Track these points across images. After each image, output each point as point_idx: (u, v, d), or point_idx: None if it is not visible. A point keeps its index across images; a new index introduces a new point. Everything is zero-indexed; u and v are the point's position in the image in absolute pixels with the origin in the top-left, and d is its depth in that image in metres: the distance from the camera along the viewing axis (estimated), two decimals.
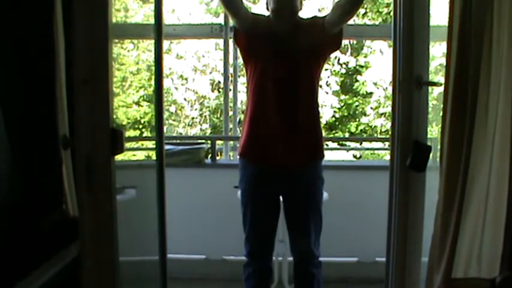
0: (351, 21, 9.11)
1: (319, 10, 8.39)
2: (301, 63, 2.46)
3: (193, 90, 8.62)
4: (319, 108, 2.66)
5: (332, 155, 7.77)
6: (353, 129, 8.93)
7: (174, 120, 8.85)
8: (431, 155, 2.01)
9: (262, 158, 2.50)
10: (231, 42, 4.11)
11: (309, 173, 2.53)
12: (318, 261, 2.58)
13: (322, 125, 2.71)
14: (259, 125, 2.48)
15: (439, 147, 1.83)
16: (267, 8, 2.53)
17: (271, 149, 2.46)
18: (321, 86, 8.58)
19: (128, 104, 8.22)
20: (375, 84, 8.53)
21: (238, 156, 2.62)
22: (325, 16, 2.57)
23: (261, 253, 2.59)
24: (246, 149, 2.54)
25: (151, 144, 3.47)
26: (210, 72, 8.59)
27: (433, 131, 2.26)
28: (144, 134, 8.16)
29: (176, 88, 8.69)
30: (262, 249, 2.59)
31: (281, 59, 2.44)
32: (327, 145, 7.23)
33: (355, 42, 8.56)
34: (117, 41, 1.88)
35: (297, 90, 2.45)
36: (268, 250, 2.61)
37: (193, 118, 8.83)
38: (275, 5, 2.44)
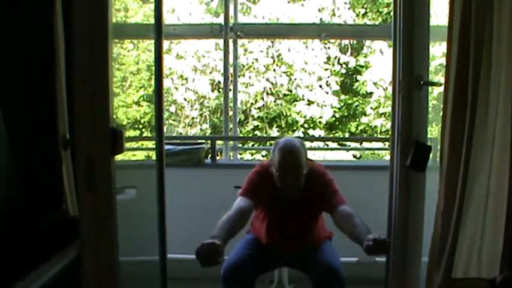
0: (350, 21, 9.00)
1: (319, 10, 8.39)
2: (304, 219, 2.53)
3: (193, 90, 8.61)
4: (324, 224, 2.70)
5: (332, 155, 7.77)
6: (353, 129, 8.92)
7: (174, 120, 8.84)
8: (431, 155, 2.01)
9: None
10: (231, 42, 4.11)
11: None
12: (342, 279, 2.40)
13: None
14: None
15: (439, 147, 1.83)
16: (271, 168, 2.46)
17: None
18: (326, 88, 8.59)
19: (128, 104, 8.22)
20: (375, 84, 8.52)
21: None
22: (336, 195, 2.47)
23: (239, 280, 2.38)
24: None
25: (151, 144, 3.47)
26: (210, 72, 8.59)
27: (433, 131, 2.26)
28: (144, 134, 8.15)
29: (176, 88, 8.69)
30: (242, 277, 2.38)
31: (285, 217, 2.50)
32: (327, 145, 7.26)
33: (355, 42, 8.56)
34: (117, 41, 1.87)
35: (298, 236, 2.53)
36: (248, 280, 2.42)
37: (193, 118, 8.82)
38: (281, 181, 2.40)
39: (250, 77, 8.46)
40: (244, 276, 2.37)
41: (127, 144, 1.76)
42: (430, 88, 2.10)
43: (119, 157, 1.66)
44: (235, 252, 2.47)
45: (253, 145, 6.53)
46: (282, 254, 2.58)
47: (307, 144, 6.85)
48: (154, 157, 2.17)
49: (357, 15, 8.71)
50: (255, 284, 2.42)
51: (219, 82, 8.30)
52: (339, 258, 2.45)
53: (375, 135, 8.75)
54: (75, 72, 1.53)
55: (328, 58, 8.67)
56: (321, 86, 8.61)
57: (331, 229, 2.61)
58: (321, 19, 8.32)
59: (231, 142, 4.38)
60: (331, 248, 2.52)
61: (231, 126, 4.45)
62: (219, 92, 8.45)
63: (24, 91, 1.62)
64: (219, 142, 4.29)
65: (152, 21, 2.08)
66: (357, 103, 8.82)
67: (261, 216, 2.57)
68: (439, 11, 2.27)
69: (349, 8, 8.61)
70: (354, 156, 8.31)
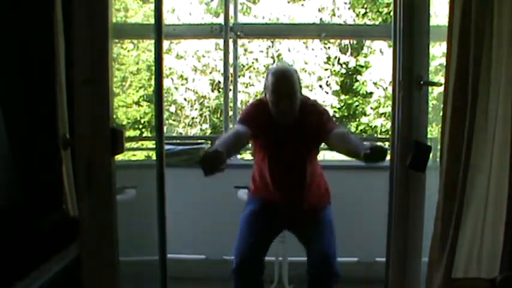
0: (350, 21, 8.99)
1: (319, 10, 8.39)
2: (301, 147, 2.51)
3: (193, 90, 8.61)
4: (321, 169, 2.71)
5: (332, 155, 7.76)
6: (353, 129, 8.92)
7: (174, 120, 8.84)
8: (431, 155, 2.01)
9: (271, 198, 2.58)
10: (231, 42, 4.10)
11: (319, 216, 2.56)
12: (336, 275, 2.42)
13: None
14: (262, 189, 2.61)
15: (439, 147, 1.83)
16: (265, 94, 2.50)
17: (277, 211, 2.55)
18: (326, 88, 8.59)
19: (128, 104, 8.22)
20: (375, 84, 8.52)
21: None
22: (327, 116, 2.54)
23: (251, 269, 2.41)
24: (254, 192, 2.68)
25: (151, 144, 3.47)
26: (210, 72, 8.58)
27: (433, 131, 2.26)
28: (144, 134, 8.15)
29: (176, 88, 8.69)
30: (253, 265, 2.41)
31: (281, 145, 2.50)
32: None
33: (355, 42, 8.56)
34: (117, 41, 1.87)
35: (296, 166, 2.52)
36: (259, 266, 2.44)
37: (193, 118, 8.82)
38: (275, 105, 2.42)
39: (250, 77, 8.46)
40: (254, 267, 2.41)
41: (127, 144, 1.76)
42: (430, 88, 2.09)
43: (119, 157, 1.66)
44: (240, 240, 2.47)
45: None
46: (285, 209, 2.54)
47: None
48: (154, 157, 2.17)
49: (357, 15, 8.70)
50: (264, 266, 2.46)
51: (219, 82, 8.30)
52: (334, 243, 2.47)
53: (375, 135, 8.74)
54: (75, 72, 1.53)
55: (328, 58, 8.66)
56: (321, 86, 8.60)
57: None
58: (321, 19, 8.32)
59: None
60: (330, 228, 2.51)
61: (231, 126, 4.44)
62: (219, 92, 8.45)
63: (24, 91, 1.62)
64: None
65: (152, 21, 2.08)
66: (357, 103, 8.82)
67: (260, 157, 2.57)
68: (439, 11, 2.27)
69: (349, 8, 8.60)
70: None
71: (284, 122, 2.45)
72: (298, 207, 2.55)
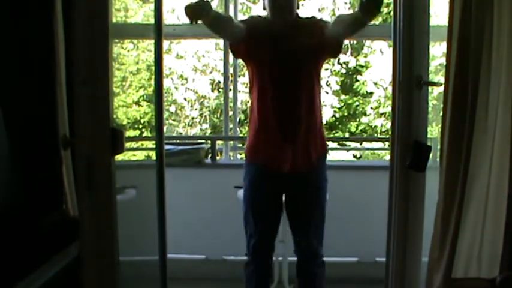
0: None
1: (319, 10, 8.39)
2: (300, 63, 2.44)
3: (193, 90, 8.62)
4: (322, 108, 2.64)
5: (332, 155, 7.77)
6: (353, 129, 8.92)
7: (174, 120, 8.85)
8: (431, 155, 2.01)
9: (266, 161, 2.51)
10: None
11: (313, 174, 2.54)
12: (321, 260, 2.60)
13: (323, 124, 2.69)
14: (261, 131, 2.49)
15: (439, 147, 1.83)
16: (264, 7, 2.51)
17: (275, 154, 2.47)
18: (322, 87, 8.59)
19: (128, 104, 8.22)
20: (375, 84, 8.53)
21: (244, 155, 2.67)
22: (327, 22, 2.52)
23: (263, 251, 2.60)
24: (251, 151, 2.57)
25: (151, 144, 3.47)
26: (210, 72, 8.59)
27: (433, 131, 2.26)
28: (144, 134, 8.16)
29: (176, 88, 8.69)
30: (264, 248, 2.59)
31: (280, 60, 2.43)
32: (326, 145, 7.24)
33: (355, 42, 8.56)
34: (117, 41, 1.88)
35: (297, 90, 2.44)
36: (270, 248, 2.62)
37: (193, 118, 8.83)
38: (272, 2, 2.42)
39: None
40: (267, 252, 2.61)
41: (127, 144, 1.76)
42: (430, 88, 2.09)
43: (118, 157, 1.66)
44: (250, 227, 2.55)
45: None
46: (282, 177, 2.50)
47: None
48: (154, 157, 2.17)
49: None
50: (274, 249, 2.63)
51: (219, 82, 8.31)
52: (322, 230, 2.55)
53: (375, 135, 8.75)
54: (75, 72, 1.53)
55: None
56: (322, 87, 8.61)
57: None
58: (320, 19, 8.32)
59: (231, 142, 4.38)
60: (320, 214, 2.55)
61: (231, 126, 4.44)
62: (219, 92, 8.46)
63: (24, 91, 1.62)
64: (219, 142, 4.29)
65: (152, 21, 2.08)
66: (357, 103, 8.82)
67: (257, 83, 2.49)
68: (439, 11, 2.27)
69: (349, 8, 8.61)
70: (354, 156, 8.31)
71: (281, 21, 2.42)
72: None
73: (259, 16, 2.60)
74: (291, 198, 2.57)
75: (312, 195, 2.54)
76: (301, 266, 2.63)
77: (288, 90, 2.43)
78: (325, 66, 8.69)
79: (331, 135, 8.75)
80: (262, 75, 2.45)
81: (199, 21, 2.13)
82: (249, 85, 2.60)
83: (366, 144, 7.74)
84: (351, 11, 8.54)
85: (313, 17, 2.66)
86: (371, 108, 8.80)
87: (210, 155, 3.77)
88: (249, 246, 2.58)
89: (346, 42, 8.53)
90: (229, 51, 2.71)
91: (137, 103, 8.35)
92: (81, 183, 1.56)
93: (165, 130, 2.22)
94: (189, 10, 2.09)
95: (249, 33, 2.42)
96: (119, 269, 1.66)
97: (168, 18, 7.97)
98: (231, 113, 4.35)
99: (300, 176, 2.50)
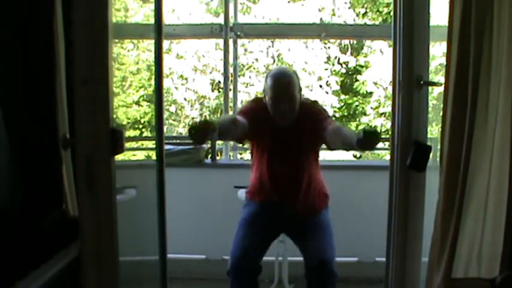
0: (350, 21, 8.99)
1: (319, 10, 8.38)
2: (299, 150, 2.50)
3: (193, 90, 8.61)
4: (320, 173, 2.67)
5: (332, 155, 7.76)
6: (353, 129, 8.92)
7: (174, 120, 8.84)
8: (431, 155, 2.01)
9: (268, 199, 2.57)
10: (231, 42, 4.10)
11: (316, 219, 2.55)
12: (334, 276, 2.42)
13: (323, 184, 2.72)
14: (259, 188, 2.58)
15: (439, 147, 1.83)
16: (265, 97, 2.47)
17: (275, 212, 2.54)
18: (326, 88, 8.58)
19: (128, 104, 8.22)
20: (375, 84, 8.52)
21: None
22: (328, 118, 2.51)
23: (246, 270, 2.40)
24: (252, 194, 2.65)
25: (151, 144, 3.47)
26: (210, 72, 8.58)
27: (433, 131, 2.26)
28: (144, 134, 8.15)
29: (176, 88, 8.69)
30: (247, 266, 2.40)
31: (279, 148, 2.49)
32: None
33: (355, 42, 8.56)
34: (117, 41, 1.87)
35: (295, 168, 2.51)
36: (254, 268, 2.44)
37: (193, 118, 8.82)
38: (274, 107, 2.40)
39: (250, 77, 8.46)
40: (250, 268, 2.40)
41: (127, 144, 1.76)
42: (430, 88, 2.09)
43: (118, 157, 1.66)
44: (237, 240, 2.46)
45: None
46: (282, 211, 2.53)
47: None
48: (154, 157, 2.17)
49: (357, 15, 8.70)
50: (261, 268, 2.45)
51: (219, 82, 8.30)
52: (333, 245, 2.46)
53: None
54: (75, 72, 1.53)
55: (328, 58, 8.66)
56: (321, 86, 8.60)
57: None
58: (321, 19, 8.31)
59: (231, 142, 4.38)
60: (326, 230, 2.50)
61: None
62: (219, 92, 8.45)
63: (24, 91, 1.62)
64: (219, 142, 4.28)
65: (152, 21, 2.08)
66: (357, 103, 8.82)
67: (257, 159, 2.55)
68: (439, 11, 2.27)
69: (349, 8, 8.60)
70: (354, 156, 8.31)
71: (283, 124, 2.44)
72: (294, 208, 2.53)
73: (260, 100, 2.54)
74: (293, 230, 2.58)
75: (314, 225, 2.52)
76: (312, 276, 2.44)
77: (285, 168, 2.51)
78: (325, 66, 8.73)
79: None
80: (261, 156, 2.54)
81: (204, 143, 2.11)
82: (250, 147, 2.67)
83: None
84: (351, 13, 8.55)
85: (313, 105, 2.58)
86: (371, 108, 8.80)
87: (210, 155, 3.77)
88: (232, 264, 2.40)
89: (346, 42, 8.58)
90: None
91: (137, 103, 8.35)
92: (81, 183, 1.56)
93: (165, 130, 2.22)
94: (196, 136, 2.01)
95: (251, 127, 2.44)
96: (119, 269, 1.66)
97: (168, 18, 7.97)
98: (231, 113, 4.35)
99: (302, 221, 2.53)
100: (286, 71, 2.51)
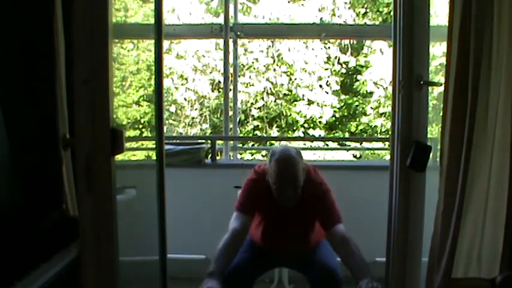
0: (350, 21, 8.97)
1: (319, 10, 8.39)
2: (299, 227, 2.49)
3: (193, 90, 8.61)
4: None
5: (332, 155, 7.77)
6: (353, 129, 8.91)
7: (174, 120, 8.84)
8: (431, 155, 2.01)
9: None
10: (231, 42, 4.11)
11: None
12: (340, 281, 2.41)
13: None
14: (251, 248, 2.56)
15: (439, 147, 1.83)
16: (267, 176, 2.41)
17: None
18: (326, 88, 8.58)
19: (128, 104, 8.21)
20: (375, 84, 8.52)
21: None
22: (331, 210, 2.43)
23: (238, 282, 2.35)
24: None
25: (151, 144, 3.46)
26: (210, 72, 8.58)
27: (433, 131, 2.26)
28: (144, 134, 8.15)
29: (176, 88, 8.69)
30: (240, 277, 2.37)
31: (281, 224, 2.47)
32: (327, 145, 7.25)
33: (355, 42, 8.56)
34: (117, 41, 1.88)
35: (292, 241, 2.50)
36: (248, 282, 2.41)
37: (193, 118, 8.82)
38: (279, 194, 2.37)
39: (250, 77, 8.46)
40: (245, 279, 2.37)
41: (127, 144, 1.76)
42: (430, 88, 2.09)
43: (118, 157, 1.66)
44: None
45: (253, 145, 6.52)
46: (279, 256, 2.58)
47: (308, 144, 6.88)
48: (154, 157, 2.17)
49: (357, 15, 8.70)
50: (253, 286, 2.42)
51: (219, 82, 8.30)
52: (336, 258, 2.43)
53: (375, 135, 8.74)
54: (75, 72, 1.53)
55: (328, 58, 8.67)
56: (321, 86, 8.60)
57: None
58: (321, 19, 8.32)
59: (231, 142, 4.38)
60: (327, 248, 2.49)
61: (231, 126, 4.45)
62: (219, 92, 8.45)
63: (24, 91, 1.62)
64: (219, 142, 4.29)
65: (152, 21, 2.08)
66: (357, 103, 8.82)
67: (256, 221, 2.54)
68: (439, 11, 2.27)
69: (349, 8, 8.60)
70: (354, 156, 8.31)
71: (286, 206, 2.40)
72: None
73: (262, 177, 2.45)
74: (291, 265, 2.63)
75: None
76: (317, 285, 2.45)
77: (285, 238, 2.49)
78: (325, 66, 8.72)
79: (331, 135, 8.76)
80: (259, 223, 2.53)
81: None
82: None
83: (366, 144, 7.73)
84: (351, 12, 8.55)
85: (317, 187, 2.47)
86: (371, 108, 8.80)
87: (210, 155, 3.77)
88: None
89: (346, 42, 8.58)
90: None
91: (137, 103, 8.35)
92: (81, 183, 1.56)
93: (165, 130, 2.22)
94: None
95: (254, 214, 2.44)
96: (119, 269, 1.66)
97: (168, 18, 7.97)
98: (231, 113, 4.36)
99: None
100: (290, 154, 2.37)
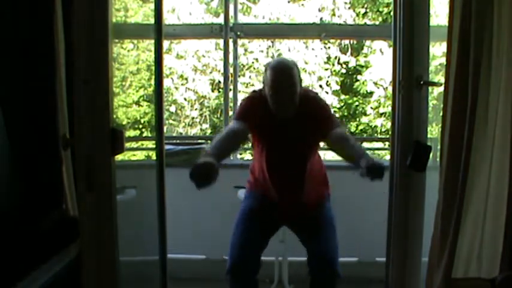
0: (350, 21, 8.97)
1: (319, 10, 8.39)
2: (300, 144, 2.45)
3: (193, 90, 8.61)
4: (322, 161, 2.65)
5: (332, 154, 7.76)
6: (353, 129, 8.91)
7: (174, 120, 8.84)
8: (431, 155, 2.01)
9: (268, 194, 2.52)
10: (231, 42, 4.10)
11: (316, 212, 2.51)
12: (337, 275, 2.41)
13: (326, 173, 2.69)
14: (260, 184, 2.54)
15: (439, 147, 1.83)
16: (264, 88, 2.42)
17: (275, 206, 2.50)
18: (326, 88, 8.59)
19: (128, 104, 8.21)
20: (375, 84, 8.52)
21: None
22: (330, 116, 2.46)
23: (244, 271, 2.39)
24: (252, 187, 2.60)
25: (151, 144, 3.47)
26: (210, 72, 8.58)
27: (433, 131, 2.26)
28: (144, 134, 8.15)
29: (176, 88, 8.69)
30: (246, 266, 2.38)
31: (279, 140, 2.44)
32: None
33: (355, 42, 8.56)
34: (117, 41, 1.88)
35: (295, 162, 2.46)
36: (253, 268, 2.41)
37: (193, 118, 8.82)
38: (272, 98, 2.35)
39: (250, 77, 8.46)
40: (249, 268, 2.38)
41: (127, 144, 1.76)
42: (430, 88, 2.09)
43: (118, 157, 1.66)
44: (235, 239, 2.43)
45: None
46: (283, 206, 2.50)
47: None
48: (154, 157, 2.17)
49: (357, 15, 8.69)
50: (260, 264, 2.42)
51: (219, 82, 8.30)
52: (336, 243, 2.42)
53: (375, 135, 8.74)
54: (75, 72, 1.53)
55: (328, 58, 8.66)
56: (321, 86, 8.60)
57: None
58: (321, 19, 8.32)
59: None
60: (329, 230, 2.46)
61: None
62: (219, 92, 8.45)
63: (24, 91, 1.62)
64: None
65: (152, 21, 2.08)
66: (357, 103, 8.82)
67: (258, 150, 2.51)
68: (439, 11, 2.27)
69: (349, 8, 8.60)
70: None
71: (283, 115, 2.37)
72: (296, 203, 2.49)
73: (259, 93, 2.48)
74: (294, 225, 2.55)
75: (317, 220, 2.49)
76: (315, 275, 2.44)
77: (285, 162, 2.46)
78: (325, 66, 8.73)
79: None
80: (261, 148, 2.49)
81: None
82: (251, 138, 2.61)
83: (366, 144, 7.72)
84: (351, 12, 8.55)
85: (314, 99, 2.51)
86: (371, 108, 8.80)
87: None
88: (230, 264, 2.38)
89: (346, 42, 8.58)
90: None
91: (137, 103, 8.35)
92: (81, 183, 1.56)
93: (165, 130, 2.22)
94: (198, 178, 2.00)
95: (251, 128, 2.40)
96: (119, 269, 1.66)
97: (168, 18, 7.97)
98: (231, 113, 4.34)
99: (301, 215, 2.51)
100: (286, 61, 2.44)
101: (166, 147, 2.75)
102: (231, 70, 4.24)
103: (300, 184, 2.48)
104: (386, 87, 8.37)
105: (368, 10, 8.87)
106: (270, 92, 2.34)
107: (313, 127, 2.38)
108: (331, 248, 2.40)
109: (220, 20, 6.36)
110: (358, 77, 8.77)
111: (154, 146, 2.19)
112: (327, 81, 8.67)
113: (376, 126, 8.72)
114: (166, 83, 8.33)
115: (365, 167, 1.96)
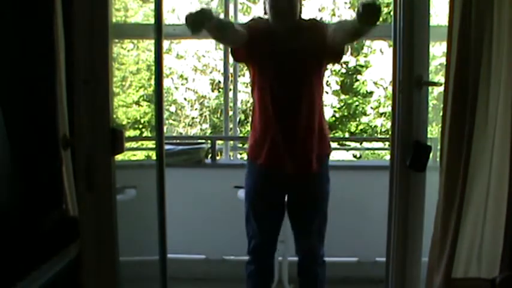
0: None
1: (319, 10, 8.39)
2: (301, 66, 2.42)
3: (193, 90, 8.62)
4: (323, 110, 2.61)
5: (332, 154, 7.76)
6: (353, 129, 8.92)
7: (174, 120, 8.85)
8: (431, 155, 2.01)
9: (268, 160, 2.48)
10: None
11: (315, 175, 2.52)
12: (322, 260, 2.61)
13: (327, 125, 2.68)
14: (262, 130, 2.48)
15: (439, 147, 1.83)
16: (265, 12, 2.45)
17: (275, 153, 2.46)
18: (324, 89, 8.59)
19: (128, 104, 8.22)
20: (375, 83, 8.53)
21: (246, 156, 2.66)
22: (328, 25, 2.49)
23: (264, 252, 2.61)
24: (252, 150, 2.56)
25: (151, 144, 3.47)
26: (210, 72, 8.59)
27: (433, 131, 2.26)
28: (144, 134, 8.16)
29: (176, 88, 8.70)
30: (266, 248, 2.60)
31: (281, 62, 2.41)
32: (330, 146, 7.24)
33: (355, 42, 8.56)
34: (117, 41, 1.88)
35: (297, 92, 2.42)
36: (271, 249, 2.64)
37: (193, 118, 8.83)
38: (273, 7, 2.37)
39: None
40: (269, 250, 2.63)
41: (127, 144, 1.76)
42: (430, 88, 2.09)
43: (118, 157, 1.66)
44: (251, 226, 2.56)
45: None
46: (283, 176, 2.49)
47: None
48: (154, 157, 2.17)
49: None
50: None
51: (219, 82, 8.31)
52: (324, 231, 2.57)
53: (375, 135, 8.75)
54: (75, 72, 1.53)
55: None
56: (326, 88, 8.61)
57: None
58: (321, 19, 8.33)
59: (231, 142, 4.38)
60: (322, 215, 2.56)
61: (231, 126, 4.45)
62: (219, 91, 8.46)
63: (24, 91, 1.62)
64: (219, 142, 4.29)
65: (152, 21, 2.08)
66: (357, 103, 8.82)
67: (258, 85, 2.47)
68: (439, 11, 2.27)
69: (349, 8, 8.61)
70: (354, 156, 8.32)
71: (283, 25, 2.38)
72: (302, 146, 2.46)
73: (260, 18, 2.56)
74: (293, 198, 2.56)
75: (314, 197, 2.54)
76: (302, 265, 2.64)
77: (288, 91, 2.42)
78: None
79: (331, 135, 8.76)
80: (263, 76, 2.45)
81: (201, 31, 2.05)
82: (250, 85, 2.59)
83: (366, 144, 7.74)
84: (351, 12, 8.55)
85: (313, 19, 2.63)
86: (371, 108, 8.81)
87: (210, 155, 3.77)
88: (250, 246, 2.58)
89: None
90: (230, 53, 2.68)
91: (137, 103, 8.35)
92: (81, 183, 1.56)
93: (165, 130, 2.22)
94: (190, 20, 2.01)
95: (251, 37, 2.38)
96: (119, 269, 1.66)
97: (168, 18, 7.98)
98: (231, 113, 4.35)
99: (302, 177, 2.49)
100: None
101: (166, 147, 2.76)
102: (231, 70, 4.24)
103: (302, 108, 2.42)
104: (386, 87, 8.38)
105: None
106: (269, 3, 2.37)
107: (314, 44, 2.39)
108: (317, 239, 2.58)
109: None
110: (358, 76, 8.78)
111: (154, 146, 2.19)
112: (327, 81, 8.68)
113: (376, 126, 8.73)
114: (166, 83, 8.34)
115: (360, 5, 1.92)
